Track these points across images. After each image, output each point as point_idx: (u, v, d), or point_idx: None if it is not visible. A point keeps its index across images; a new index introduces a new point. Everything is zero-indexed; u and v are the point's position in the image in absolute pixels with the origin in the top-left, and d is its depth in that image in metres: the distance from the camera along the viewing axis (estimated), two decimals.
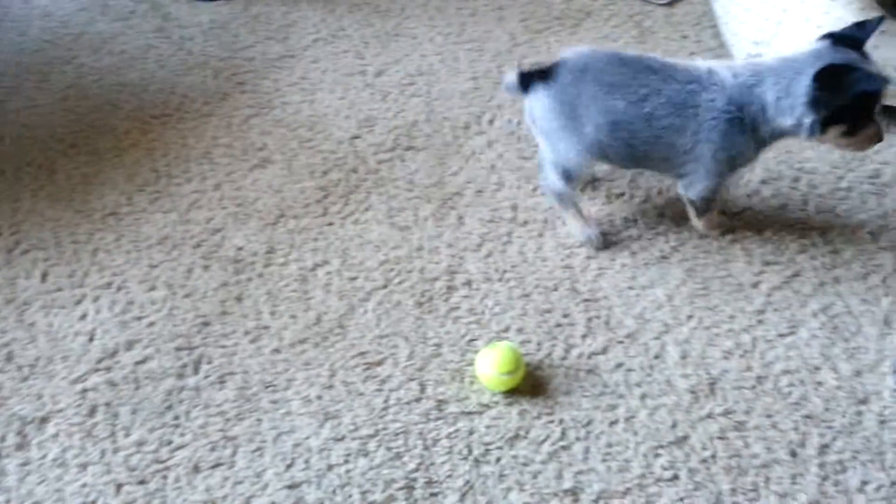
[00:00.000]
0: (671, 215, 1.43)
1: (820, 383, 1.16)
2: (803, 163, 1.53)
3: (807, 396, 1.14)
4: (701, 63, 1.24)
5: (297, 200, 1.47)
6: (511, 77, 1.30)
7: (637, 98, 1.21)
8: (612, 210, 1.45)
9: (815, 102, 1.13)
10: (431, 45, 1.90)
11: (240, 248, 1.37)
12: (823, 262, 1.34)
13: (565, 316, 1.26)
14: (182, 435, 1.10)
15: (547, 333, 1.23)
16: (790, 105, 1.15)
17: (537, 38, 1.91)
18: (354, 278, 1.31)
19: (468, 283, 1.31)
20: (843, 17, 1.47)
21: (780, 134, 1.21)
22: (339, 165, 1.55)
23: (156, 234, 1.41)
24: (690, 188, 1.30)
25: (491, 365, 1.12)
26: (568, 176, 1.33)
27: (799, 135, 1.19)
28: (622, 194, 1.48)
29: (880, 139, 1.18)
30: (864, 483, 1.04)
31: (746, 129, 1.20)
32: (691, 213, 1.36)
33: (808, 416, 1.12)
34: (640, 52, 1.33)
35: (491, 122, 1.66)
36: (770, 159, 1.53)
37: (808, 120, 1.15)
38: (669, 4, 2.02)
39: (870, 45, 1.17)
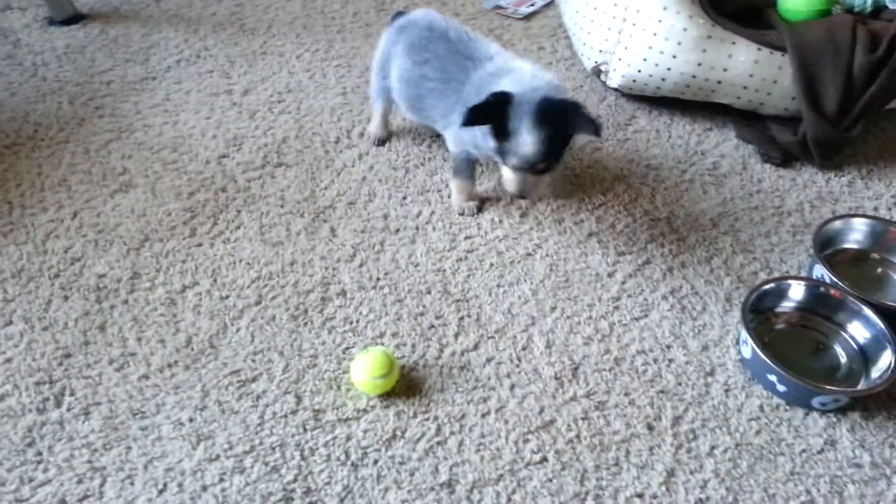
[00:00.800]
0: (535, 215, 1.51)
1: (671, 360, 1.26)
2: (650, 159, 1.66)
3: (660, 373, 1.23)
4: (492, 47, 1.38)
5: (162, 223, 1.44)
6: (393, 13, 1.57)
7: (420, 60, 1.40)
8: (480, 216, 1.51)
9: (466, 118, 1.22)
10: (299, 63, 1.91)
11: (101, 276, 1.33)
12: (671, 248, 1.46)
13: (438, 317, 1.30)
14: (45, 471, 1.05)
15: (421, 335, 1.27)
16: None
17: None
18: (226, 297, 1.30)
19: (342, 293, 1.33)
20: (675, 25, 1.61)
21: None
22: (206, 185, 1.53)
23: (10, 268, 1.34)
24: (450, 145, 1.48)
25: (365, 370, 1.15)
26: (374, 96, 1.61)
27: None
28: (489, 198, 1.55)
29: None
30: (713, 448, 1.13)
31: None
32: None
33: (661, 392, 1.21)
34: (459, 24, 1.45)
35: (361, 135, 1.69)
36: (621, 158, 1.65)
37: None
38: (526, 18, 2.13)
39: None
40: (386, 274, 1.38)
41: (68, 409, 1.13)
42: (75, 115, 1.70)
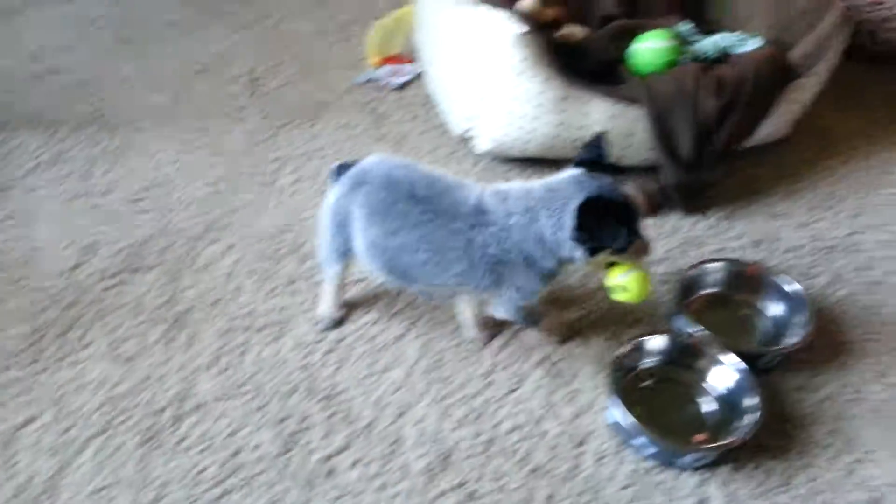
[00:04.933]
0: (406, 295, 1.49)
1: (545, 433, 1.23)
2: None
3: (533, 450, 1.21)
4: (474, 194, 1.19)
5: (2, 351, 1.35)
6: (334, 167, 1.30)
7: (389, 230, 1.18)
8: (350, 298, 1.48)
9: (578, 239, 1.12)
10: (166, 155, 1.86)
11: None
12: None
13: (304, 419, 1.25)
14: None
15: (283, 445, 1.21)
16: (560, 241, 1.14)
17: (277, 133, 1.93)
18: (69, 429, 1.22)
19: (199, 407, 1.26)
20: (531, 89, 1.63)
21: (567, 261, 1.18)
22: (56, 301, 1.45)
23: None
24: (495, 311, 1.29)
25: None
26: (325, 264, 1.38)
27: (575, 263, 1.18)
28: (360, 280, 1.52)
29: (647, 251, 1.18)
30: None
31: (521, 264, 1.18)
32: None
33: (534, 470, 1.18)
34: (421, 168, 1.24)
35: (228, 226, 1.64)
36: None
37: (577, 253, 1.14)
38: (400, 88, 2.14)
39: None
40: (250, 377, 1.32)
41: None
42: None
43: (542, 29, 1.85)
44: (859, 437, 1.24)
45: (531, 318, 1.31)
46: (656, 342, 1.30)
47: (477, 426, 1.24)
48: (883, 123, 1.97)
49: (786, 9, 1.82)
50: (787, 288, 1.40)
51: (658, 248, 1.58)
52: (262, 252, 1.57)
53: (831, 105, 2.00)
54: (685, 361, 1.30)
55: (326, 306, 1.41)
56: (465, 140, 1.86)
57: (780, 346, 1.33)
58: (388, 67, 2.19)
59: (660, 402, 1.28)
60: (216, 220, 1.66)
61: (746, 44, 1.74)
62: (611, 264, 1.16)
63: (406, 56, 2.18)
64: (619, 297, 1.16)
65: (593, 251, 1.13)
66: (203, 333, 1.40)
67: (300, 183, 1.75)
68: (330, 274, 1.37)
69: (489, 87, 1.70)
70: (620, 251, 1.13)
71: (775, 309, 1.42)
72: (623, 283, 1.15)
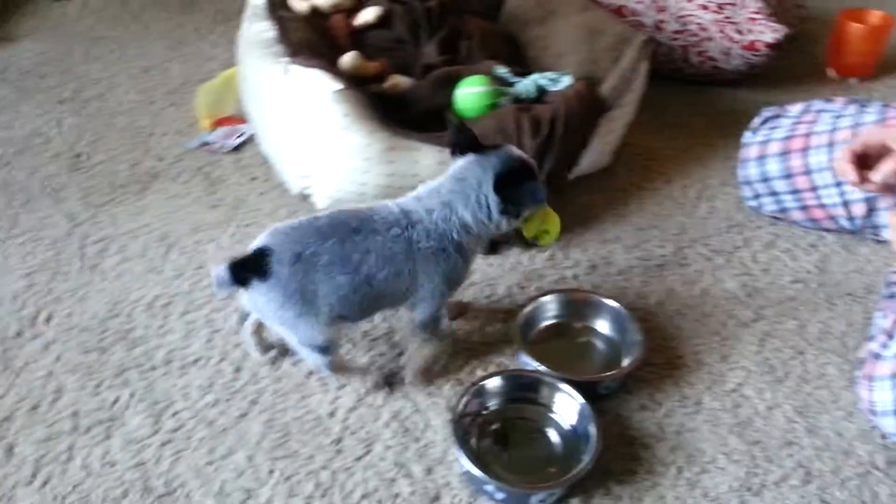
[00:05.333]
0: (249, 367, 1.42)
1: (397, 495, 1.20)
2: None
3: None
4: (391, 204, 1.29)
5: None
6: (221, 273, 1.21)
7: (353, 267, 1.22)
8: (187, 381, 1.39)
9: (507, 211, 1.28)
10: None
11: None
12: (391, 367, 1.43)
13: None
14: None
15: None
16: (488, 216, 1.28)
17: (101, 212, 1.82)
18: None
19: None
20: (357, 143, 1.63)
21: (485, 241, 1.37)
22: None
23: None
24: (419, 314, 1.35)
25: None
26: (323, 350, 1.30)
27: (502, 232, 1.35)
28: (198, 359, 1.44)
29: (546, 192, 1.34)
30: None
31: (454, 253, 1.29)
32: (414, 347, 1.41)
33: None
34: (334, 210, 1.29)
35: (48, 319, 1.52)
36: None
37: (504, 223, 1.30)
38: (236, 150, 2.08)
39: None
40: (75, 486, 1.21)
41: None
42: None
43: (367, 82, 1.87)
44: (699, 448, 1.30)
45: (440, 327, 1.42)
46: (495, 383, 1.31)
47: (326, 500, 1.19)
48: (700, 140, 2.13)
49: (593, 45, 1.94)
50: (618, 310, 1.46)
51: (499, 287, 1.61)
52: (85, 344, 1.46)
53: (650, 129, 2.14)
54: (528, 397, 1.32)
55: (363, 375, 1.39)
56: (305, 197, 1.83)
57: (617, 370, 1.37)
58: (222, 129, 2.14)
59: (511, 442, 1.28)
60: (33, 315, 1.53)
61: (560, 82, 1.83)
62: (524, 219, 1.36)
63: (240, 116, 2.13)
64: (544, 241, 1.39)
65: (517, 215, 1.31)
66: (20, 445, 1.27)
67: (126, 263, 1.65)
68: (332, 355, 1.34)
69: (318, 145, 1.69)
70: (541, 202, 1.33)
71: (610, 332, 1.47)
72: (545, 227, 1.37)
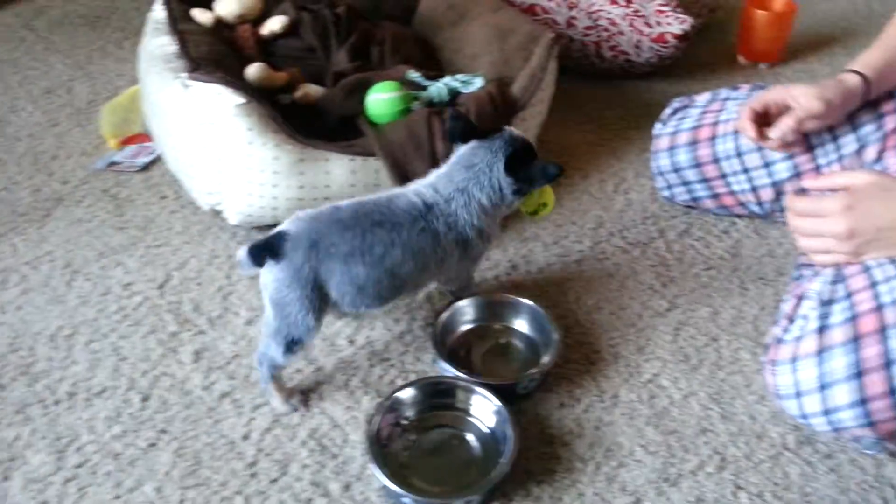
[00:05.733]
0: (159, 394, 1.37)
1: None
2: None
3: None
4: (411, 195, 1.31)
5: None
6: (242, 256, 1.23)
7: (376, 259, 1.24)
8: (93, 413, 1.33)
9: (520, 191, 1.35)
10: None
11: None
12: (308, 384, 1.39)
13: None
14: None
15: None
16: (501, 198, 1.34)
17: (0, 242, 1.74)
18: None
19: None
20: (264, 156, 1.59)
21: (499, 217, 1.40)
22: None
23: None
24: (448, 286, 1.48)
25: None
26: (293, 346, 1.26)
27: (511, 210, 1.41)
28: (104, 390, 1.38)
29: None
30: None
31: (476, 238, 1.34)
32: None
33: None
34: (355, 200, 1.30)
35: None
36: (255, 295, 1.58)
37: (516, 201, 1.37)
38: (145, 168, 2.01)
39: None
40: None
41: None
42: None
43: (276, 93, 1.83)
44: (617, 442, 1.30)
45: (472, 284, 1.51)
46: (409, 392, 1.29)
47: None
48: (616, 133, 2.15)
49: (504, 46, 1.95)
50: (535, 309, 1.46)
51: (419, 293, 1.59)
52: None
53: (567, 125, 2.16)
54: (446, 403, 1.30)
55: (280, 401, 1.34)
56: (217, 213, 1.78)
57: (534, 369, 1.37)
58: (130, 148, 2.07)
59: (431, 452, 1.26)
60: None
61: (472, 83, 1.82)
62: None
63: (148, 134, 2.06)
64: (541, 214, 1.42)
65: (528, 193, 1.38)
66: None
67: (27, 295, 1.58)
68: (292, 359, 1.32)
69: (223, 161, 1.64)
70: (552, 178, 1.35)
71: (529, 331, 1.47)
72: (542, 200, 1.40)
